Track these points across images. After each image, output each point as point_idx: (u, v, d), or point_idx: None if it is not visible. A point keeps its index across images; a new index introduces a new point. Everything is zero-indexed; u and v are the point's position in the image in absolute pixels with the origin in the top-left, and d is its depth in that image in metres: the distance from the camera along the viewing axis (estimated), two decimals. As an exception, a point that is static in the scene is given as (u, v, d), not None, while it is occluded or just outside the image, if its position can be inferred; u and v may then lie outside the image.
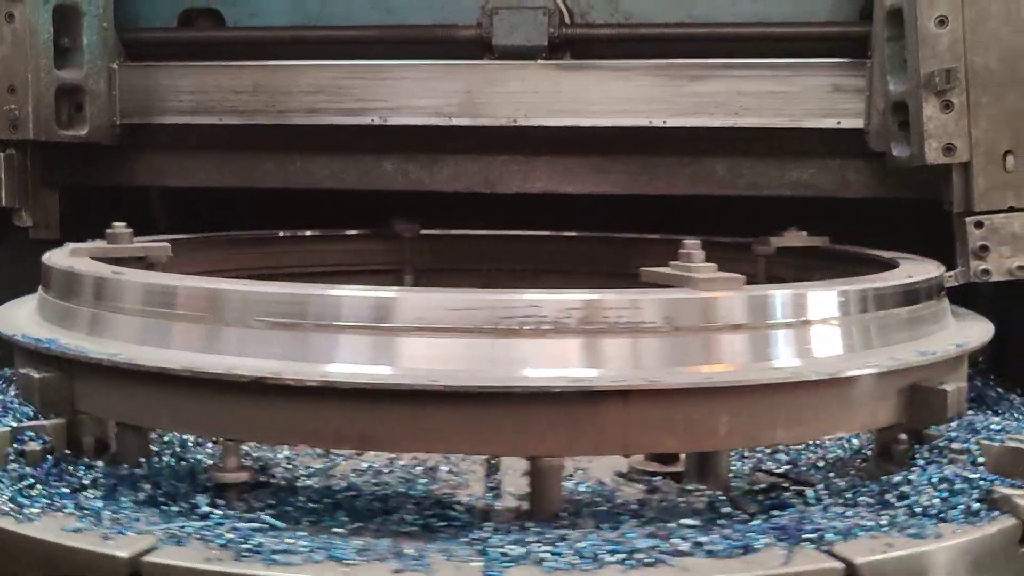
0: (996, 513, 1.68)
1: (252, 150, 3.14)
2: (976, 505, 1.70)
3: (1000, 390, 2.62)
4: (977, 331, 2.20)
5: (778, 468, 2.19)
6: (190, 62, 3.09)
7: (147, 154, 3.19)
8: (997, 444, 1.88)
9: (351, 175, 3.11)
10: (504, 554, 1.50)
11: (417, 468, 2.15)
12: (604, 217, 3.32)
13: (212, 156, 3.17)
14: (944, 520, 1.65)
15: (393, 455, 2.19)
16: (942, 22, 2.45)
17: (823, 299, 1.89)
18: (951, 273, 2.41)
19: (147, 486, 1.84)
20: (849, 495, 1.84)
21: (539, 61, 2.91)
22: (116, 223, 2.50)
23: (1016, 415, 2.40)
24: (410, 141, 3.03)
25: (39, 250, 2.36)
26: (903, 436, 1.96)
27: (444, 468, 2.16)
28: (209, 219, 3.25)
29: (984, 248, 2.48)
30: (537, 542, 1.54)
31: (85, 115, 2.97)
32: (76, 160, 3.11)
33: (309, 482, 2.06)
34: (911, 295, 2.06)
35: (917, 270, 2.24)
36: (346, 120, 2.97)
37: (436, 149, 3.05)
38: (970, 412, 2.19)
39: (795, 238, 2.86)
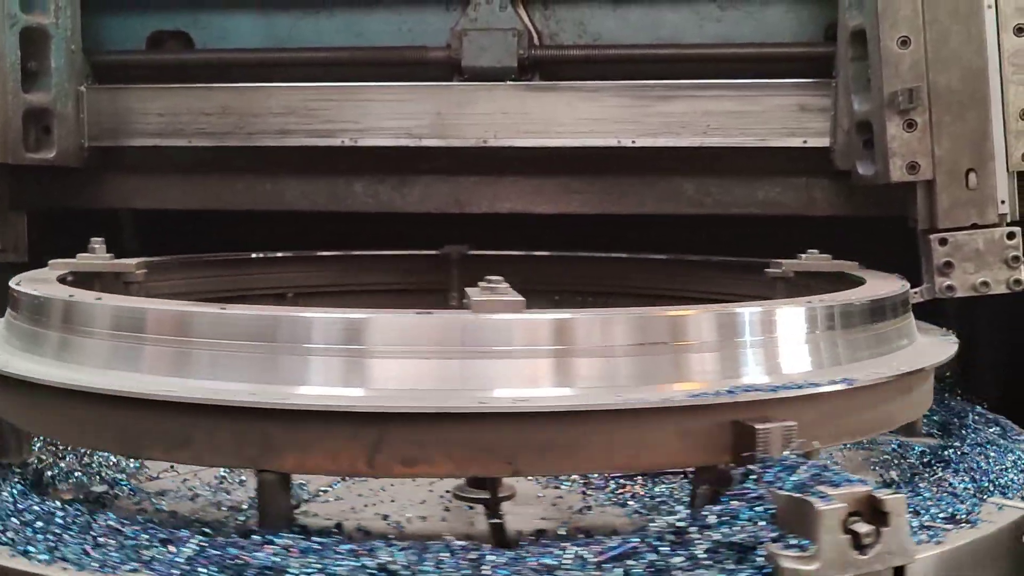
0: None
1: (222, 172, 3.14)
2: None
3: (967, 406, 2.63)
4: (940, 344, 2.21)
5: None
6: (159, 84, 3.09)
7: (116, 176, 3.19)
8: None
9: (321, 197, 3.12)
10: None
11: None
12: (580, 235, 3.34)
13: (181, 178, 3.17)
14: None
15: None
16: (904, 43, 2.48)
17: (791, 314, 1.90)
18: (917, 289, 2.42)
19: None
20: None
21: (508, 82, 2.93)
22: (94, 239, 2.54)
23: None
24: (380, 162, 3.05)
25: (6, 274, 2.33)
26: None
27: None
28: (179, 240, 3.24)
29: (948, 264, 2.50)
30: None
31: (53, 138, 2.95)
32: (44, 183, 3.10)
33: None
34: (877, 311, 2.07)
35: (885, 285, 2.24)
36: (316, 142, 2.97)
37: (406, 170, 3.06)
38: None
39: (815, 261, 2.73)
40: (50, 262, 2.47)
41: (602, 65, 2.96)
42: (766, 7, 2.93)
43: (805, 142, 2.79)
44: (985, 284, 2.49)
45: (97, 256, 2.58)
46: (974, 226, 2.48)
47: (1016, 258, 2.49)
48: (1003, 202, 2.48)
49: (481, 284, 1.80)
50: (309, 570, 1.43)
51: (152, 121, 3.02)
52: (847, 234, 2.84)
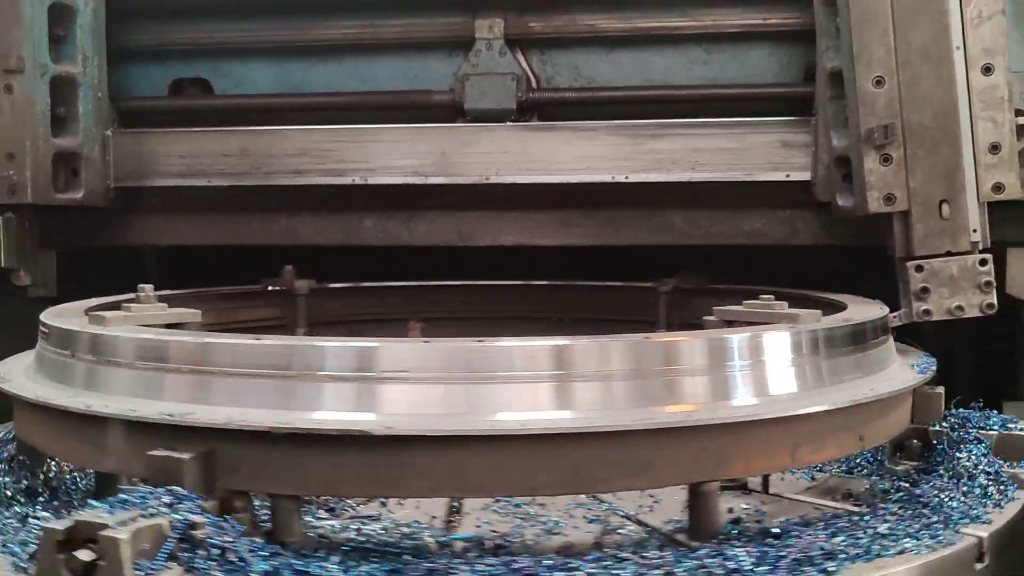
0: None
1: (239, 210, 3.15)
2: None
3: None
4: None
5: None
6: (180, 128, 3.11)
7: (139, 215, 3.20)
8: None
9: (334, 232, 3.13)
10: None
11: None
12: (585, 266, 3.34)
13: (201, 216, 3.17)
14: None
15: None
16: (879, 82, 2.52)
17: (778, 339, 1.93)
18: (896, 314, 2.46)
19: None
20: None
21: (508, 123, 2.96)
22: (143, 285, 2.35)
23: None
24: (389, 199, 3.05)
25: (36, 308, 2.36)
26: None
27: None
28: (197, 274, 3.23)
29: (925, 290, 2.53)
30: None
31: (80, 180, 2.98)
32: (72, 222, 3.12)
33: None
34: (859, 335, 2.10)
35: (865, 310, 2.28)
36: (328, 180, 2.99)
37: (413, 206, 3.07)
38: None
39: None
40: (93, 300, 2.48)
41: (596, 106, 3.00)
42: (749, 51, 2.96)
43: (788, 176, 2.82)
44: (960, 308, 2.52)
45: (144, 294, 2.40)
46: (948, 253, 2.51)
47: (988, 283, 2.52)
48: (975, 231, 2.51)
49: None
50: None
51: (174, 163, 3.05)
52: (829, 262, 2.86)
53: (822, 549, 1.68)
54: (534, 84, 3.01)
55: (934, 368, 2.23)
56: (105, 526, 1.32)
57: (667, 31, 2.99)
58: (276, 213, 3.13)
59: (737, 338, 1.87)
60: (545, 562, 1.56)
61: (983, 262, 2.52)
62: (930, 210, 2.52)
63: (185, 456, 1.57)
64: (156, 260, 3.37)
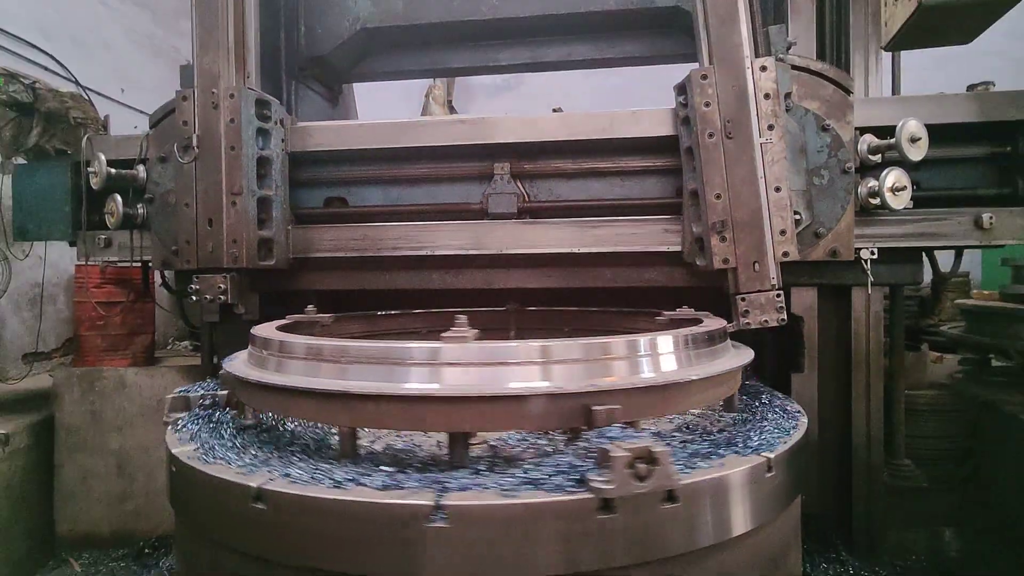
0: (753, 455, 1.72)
1: (362, 270, 3.15)
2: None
3: (760, 386, 2.66)
4: (745, 355, 2.23)
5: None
6: (329, 225, 3.14)
7: (306, 273, 3.21)
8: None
9: (415, 281, 3.14)
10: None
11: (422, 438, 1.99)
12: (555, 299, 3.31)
13: (342, 273, 3.18)
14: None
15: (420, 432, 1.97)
16: (718, 196, 2.57)
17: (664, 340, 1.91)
18: (731, 325, 2.49)
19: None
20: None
21: (513, 221, 2.99)
22: (308, 307, 2.67)
23: (768, 401, 2.39)
24: (446, 262, 3.07)
25: (248, 325, 2.39)
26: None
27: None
28: (335, 308, 3.25)
29: (746, 312, 2.57)
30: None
31: (273, 254, 3.01)
32: (268, 277, 3.14)
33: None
34: (711, 337, 2.11)
35: (713, 323, 2.30)
36: (412, 252, 3.02)
37: (460, 266, 3.08)
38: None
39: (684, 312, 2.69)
40: (287, 316, 2.63)
41: (562, 211, 3.02)
42: (646, 179, 2.97)
43: (669, 248, 2.84)
44: (766, 321, 2.56)
45: (310, 315, 2.69)
46: (759, 291, 2.55)
47: (781, 307, 2.55)
48: (774, 278, 2.56)
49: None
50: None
51: (326, 244, 3.09)
52: (692, 295, 2.85)
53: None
54: (526, 199, 3.04)
55: (752, 356, 2.23)
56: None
57: (600, 169, 3.00)
58: (383, 271, 3.14)
59: (643, 338, 1.85)
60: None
61: (778, 295, 2.55)
62: (748, 267, 2.56)
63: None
64: (316, 298, 3.39)
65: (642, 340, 1.83)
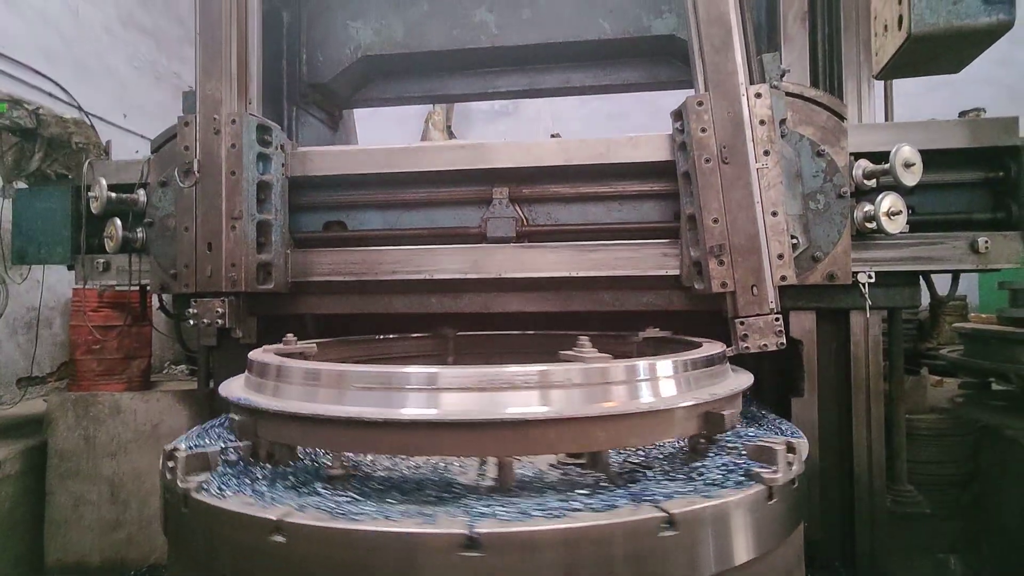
0: (753, 483, 1.67)
1: (361, 293, 3.15)
2: (742, 479, 1.69)
3: (761, 411, 2.64)
4: (744, 379, 2.22)
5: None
6: (328, 248, 3.14)
7: (304, 297, 3.20)
8: (752, 443, 1.83)
9: (413, 305, 3.14)
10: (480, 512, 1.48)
11: (441, 464, 2.00)
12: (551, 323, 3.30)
13: (339, 296, 3.17)
14: (724, 487, 1.64)
15: (427, 457, 2.02)
16: (715, 220, 2.58)
17: (663, 365, 1.89)
18: (729, 349, 2.48)
19: (291, 478, 1.79)
20: (673, 474, 1.81)
21: (511, 244, 2.99)
22: (288, 335, 2.50)
23: (769, 427, 2.40)
24: (445, 286, 3.07)
25: (245, 349, 2.38)
26: (702, 440, 1.96)
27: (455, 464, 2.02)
28: (336, 331, 3.25)
29: (745, 336, 2.56)
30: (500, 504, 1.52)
31: (272, 277, 3.01)
32: (266, 300, 3.14)
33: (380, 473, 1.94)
34: (709, 361, 2.10)
35: (712, 348, 2.28)
36: (411, 276, 3.01)
37: (458, 290, 3.08)
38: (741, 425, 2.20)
39: (653, 332, 2.86)
40: (264, 347, 2.43)
41: (559, 234, 3.02)
42: (643, 203, 2.98)
43: (667, 272, 2.84)
44: (765, 345, 2.56)
45: (291, 345, 2.48)
46: (757, 315, 2.56)
47: (780, 331, 2.56)
48: (772, 302, 2.56)
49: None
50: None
51: (324, 267, 3.08)
52: (691, 319, 2.85)
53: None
54: (524, 222, 3.04)
55: (752, 379, 2.22)
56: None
57: (598, 194, 3.01)
58: (381, 295, 3.12)
59: (642, 363, 1.83)
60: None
61: (777, 319, 2.55)
62: (746, 291, 2.56)
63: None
64: (313, 321, 3.36)
65: (641, 364, 1.83)
